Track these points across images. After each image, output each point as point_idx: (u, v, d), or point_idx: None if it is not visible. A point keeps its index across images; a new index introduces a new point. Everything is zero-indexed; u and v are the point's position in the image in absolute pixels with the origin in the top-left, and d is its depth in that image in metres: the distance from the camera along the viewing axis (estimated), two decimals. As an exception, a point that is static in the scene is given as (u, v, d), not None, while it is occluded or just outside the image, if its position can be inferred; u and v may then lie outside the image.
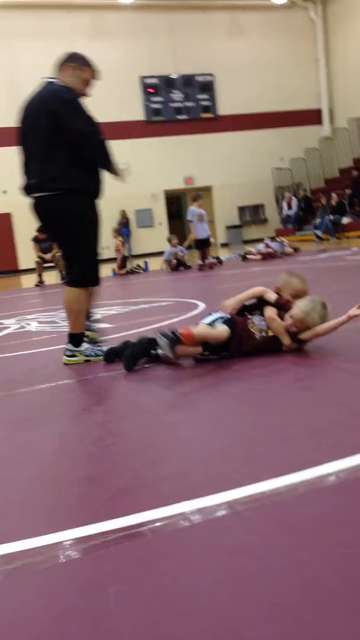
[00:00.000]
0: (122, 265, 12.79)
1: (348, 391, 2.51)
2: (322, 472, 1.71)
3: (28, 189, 3.63)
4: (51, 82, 3.78)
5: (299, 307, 3.21)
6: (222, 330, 3.21)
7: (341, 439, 1.96)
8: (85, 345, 3.73)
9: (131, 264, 13.44)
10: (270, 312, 3.32)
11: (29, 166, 3.62)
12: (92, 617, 1.18)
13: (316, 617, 1.09)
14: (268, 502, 1.57)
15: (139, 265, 13.16)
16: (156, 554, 1.39)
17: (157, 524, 1.53)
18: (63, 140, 3.50)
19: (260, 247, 12.38)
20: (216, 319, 3.31)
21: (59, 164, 3.49)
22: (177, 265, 11.96)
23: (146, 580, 1.29)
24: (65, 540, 1.50)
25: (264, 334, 3.28)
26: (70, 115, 3.53)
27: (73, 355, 3.71)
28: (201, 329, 3.22)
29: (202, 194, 12.49)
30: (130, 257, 15.66)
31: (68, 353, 3.72)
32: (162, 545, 1.43)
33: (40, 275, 12.54)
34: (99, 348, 3.74)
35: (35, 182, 3.54)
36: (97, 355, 3.69)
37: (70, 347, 3.72)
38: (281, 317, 3.28)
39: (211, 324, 3.28)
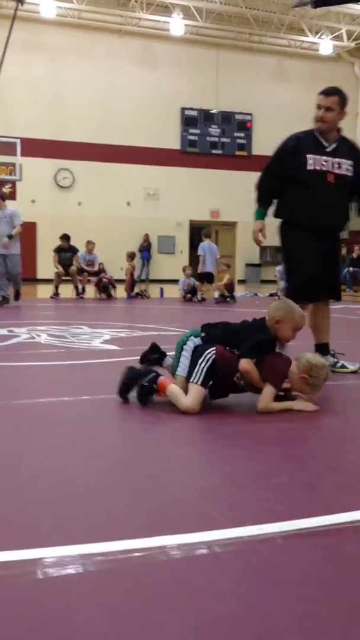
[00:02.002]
0: (131, 288, 12.95)
1: (341, 447, 2.54)
2: (302, 526, 1.74)
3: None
4: None
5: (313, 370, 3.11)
6: (192, 402, 2.99)
7: (325, 495, 1.99)
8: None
9: (138, 288, 13.61)
10: (244, 364, 3.06)
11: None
12: (55, 636, 1.22)
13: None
14: (246, 548, 1.61)
15: (142, 291, 13.32)
16: (131, 584, 1.43)
17: (136, 554, 1.56)
18: None
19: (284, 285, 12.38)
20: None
21: None
22: (192, 296, 12.05)
23: (116, 610, 1.32)
24: (43, 558, 1.54)
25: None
26: None
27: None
28: (174, 390, 3.05)
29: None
30: (138, 282, 15.79)
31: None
32: (137, 576, 1.47)
33: (56, 287, 12.68)
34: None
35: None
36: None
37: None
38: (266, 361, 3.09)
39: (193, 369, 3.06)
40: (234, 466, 2.30)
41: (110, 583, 1.43)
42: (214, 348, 3.06)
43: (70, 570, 1.48)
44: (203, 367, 3.01)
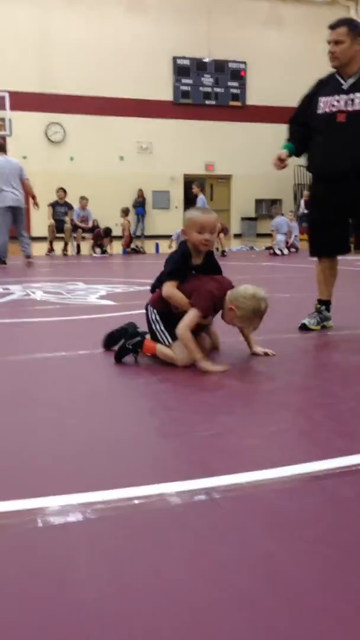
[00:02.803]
0: (128, 244, 12.84)
1: (338, 395, 2.55)
2: (301, 471, 1.75)
3: None
4: None
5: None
6: (183, 357, 2.92)
7: (323, 441, 2.00)
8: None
9: (134, 244, 13.52)
10: (164, 289, 2.97)
11: None
12: (57, 581, 1.23)
13: (273, 608, 1.14)
14: (244, 494, 1.62)
15: (137, 246, 13.24)
16: (130, 530, 1.44)
17: (135, 502, 1.57)
18: None
19: (280, 238, 12.22)
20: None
21: None
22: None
23: (117, 555, 1.34)
24: (43, 507, 1.55)
25: None
26: None
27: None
28: (163, 350, 3.00)
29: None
30: (134, 238, 15.65)
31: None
32: (137, 523, 1.48)
33: (51, 243, 12.53)
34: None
35: None
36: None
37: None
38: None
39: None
40: (232, 415, 2.31)
41: (111, 530, 1.44)
42: (148, 303, 3.05)
43: (71, 518, 1.49)
44: (159, 328, 2.99)
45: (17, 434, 2.12)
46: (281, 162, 3.98)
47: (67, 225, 12.49)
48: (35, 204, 9.72)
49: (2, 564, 1.31)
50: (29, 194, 9.53)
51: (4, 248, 9.22)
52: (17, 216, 9.31)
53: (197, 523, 1.47)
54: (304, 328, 3.95)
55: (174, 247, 12.22)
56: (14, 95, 15.04)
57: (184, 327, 2.83)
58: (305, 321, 3.99)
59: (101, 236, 12.35)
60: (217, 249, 11.87)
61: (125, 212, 13.46)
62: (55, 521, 1.48)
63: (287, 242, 12.34)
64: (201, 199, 12.03)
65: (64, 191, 12.89)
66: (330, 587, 1.20)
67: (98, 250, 12.26)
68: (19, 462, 1.87)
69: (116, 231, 13.65)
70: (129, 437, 2.09)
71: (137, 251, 12.92)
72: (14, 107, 14.64)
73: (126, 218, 13.32)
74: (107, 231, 12.38)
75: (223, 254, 11.96)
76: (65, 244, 12.62)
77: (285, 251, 12.09)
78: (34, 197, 9.65)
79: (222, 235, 12.11)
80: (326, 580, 1.23)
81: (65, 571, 1.27)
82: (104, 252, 12.34)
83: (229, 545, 1.37)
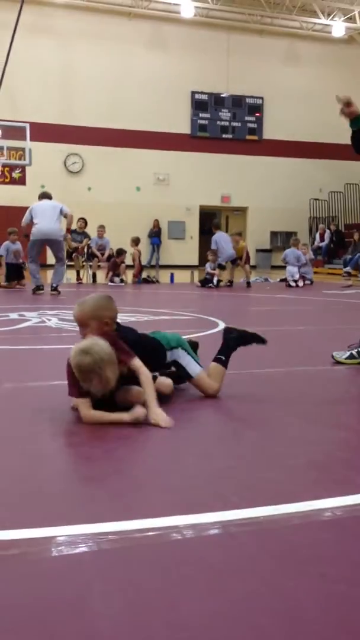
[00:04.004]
0: (138, 273, 12.90)
1: (355, 429, 2.52)
2: (319, 507, 1.73)
3: None
4: None
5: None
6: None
7: (342, 476, 1.97)
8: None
9: (147, 273, 13.59)
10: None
11: None
12: (73, 612, 1.22)
13: (293, 646, 1.12)
14: (261, 528, 1.60)
15: (149, 276, 13.30)
16: (147, 562, 1.42)
17: (150, 533, 1.56)
18: None
19: (292, 270, 12.22)
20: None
21: None
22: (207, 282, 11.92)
23: (133, 585, 1.32)
24: (59, 536, 1.54)
25: None
26: None
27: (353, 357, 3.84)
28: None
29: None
30: (150, 267, 15.69)
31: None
32: (153, 554, 1.46)
33: (78, 272, 12.64)
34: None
35: None
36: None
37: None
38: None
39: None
40: (248, 447, 2.29)
41: (125, 561, 1.43)
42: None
43: (84, 548, 1.48)
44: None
45: (33, 461, 2.11)
46: (348, 106, 3.55)
47: (76, 254, 12.63)
48: (67, 232, 10.09)
49: (18, 593, 1.30)
50: (68, 225, 9.88)
51: (37, 275, 9.43)
52: (52, 246, 9.59)
53: (213, 557, 1.45)
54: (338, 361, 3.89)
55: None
56: (34, 126, 15.37)
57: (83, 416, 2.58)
58: (336, 354, 3.94)
59: (118, 265, 12.44)
60: (228, 281, 11.92)
61: (135, 242, 13.57)
62: (69, 551, 1.47)
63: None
64: (215, 238, 12.13)
65: (85, 222, 13.08)
66: (352, 628, 1.18)
67: (117, 279, 12.34)
68: (34, 489, 1.87)
69: (129, 260, 13.74)
70: (144, 468, 2.08)
71: (150, 281, 12.97)
72: (34, 138, 14.96)
73: (136, 247, 13.42)
74: (120, 251, 12.47)
75: (248, 284, 12.01)
76: (78, 272, 12.72)
77: (300, 283, 12.11)
78: (68, 230, 10.00)
79: (247, 266, 12.21)
80: (347, 620, 1.20)
81: (80, 602, 1.26)
82: (122, 281, 12.42)
83: (246, 580, 1.35)
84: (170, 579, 1.35)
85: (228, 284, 11.97)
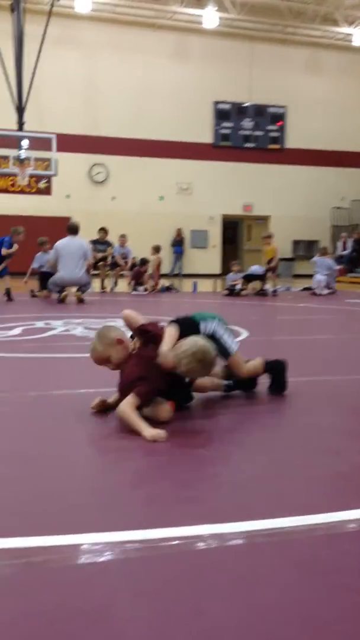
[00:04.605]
0: (157, 282, 12.92)
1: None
2: (343, 518, 1.73)
3: None
4: None
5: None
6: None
7: (366, 488, 1.97)
8: None
9: (167, 282, 13.64)
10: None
11: None
12: (99, 619, 1.24)
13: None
14: (286, 539, 1.61)
15: (171, 285, 13.33)
16: (171, 570, 1.44)
17: (175, 542, 1.58)
18: None
19: (321, 279, 12.20)
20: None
21: None
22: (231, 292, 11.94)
23: (158, 594, 1.34)
24: (84, 544, 1.56)
25: None
26: None
27: None
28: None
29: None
30: (172, 276, 15.69)
31: None
32: (178, 562, 1.48)
33: (102, 281, 12.71)
34: None
35: None
36: None
37: None
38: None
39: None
40: (272, 457, 2.29)
41: (151, 570, 1.45)
42: None
43: (110, 556, 1.50)
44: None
45: (58, 469, 2.14)
46: None
47: (102, 263, 12.72)
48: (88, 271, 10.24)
49: (43, 600, 1.32)
50: (87, 268, 10.13)
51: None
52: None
53: (238, 567, 1.47)
54: None
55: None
56: (60, 137, 15.56)
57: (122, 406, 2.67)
58: None
59: (141, 274, 12.50)
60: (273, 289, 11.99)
61: (156, 250, 13.64)
62: (95, 559, 1.49)
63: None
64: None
65: (105, 232, 13.15)
66: (375, 638, 1.18)
67: (140, 288, 12.41)
68: (59, 497, 1.90)
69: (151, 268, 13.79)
70: (168, 477, 2.09)
71: (170, 289, 13.01)
72: (60, 149, 15.15)
73: (157, 255, 13.48)
74: (144, 260, 12.56)
75: (274, 293, 12.03)
76: (102, 281, 12.81)
77: (325, 291, 12.05)
78: (88, 267, 10.18)
79: (274, 275, 12.23)
80: (370, 631, 1.21)
81: (106, 610, 1.28)
82: (145, 290, 12.48)
83: (270, 591, 1.36)
84: (196, 588, 1.37)
85: (261, 292, 12.02)
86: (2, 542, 1.56)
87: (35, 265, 11.04)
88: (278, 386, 3.27)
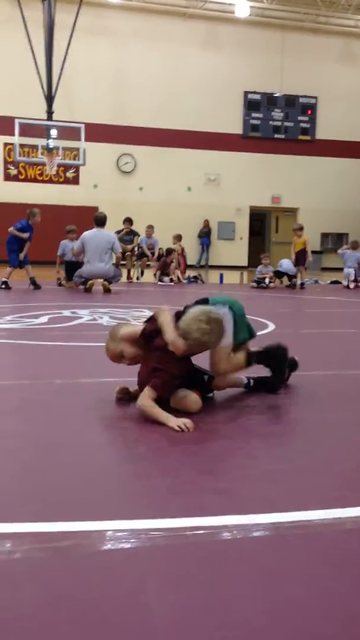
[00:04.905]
0: (184, 271, 12.90)
1: None
2: (371, 512, 1.71)
3: None
4: None
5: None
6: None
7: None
8: None
9: (191, 273, 13.63)
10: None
11: None
12: (128, 605, 1.24)
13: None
14: (312, 532, 1.59)
15: (198, 275, 13.28)
16: (199, 561, 1.44)
17: (201, 532, 1.57)
18: None
19: (350, 272, 12.12)
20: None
21: None
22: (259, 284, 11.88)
23: (186, 584, 1.33)
24: (112, 530, 1.57)
25: None
26: None
27: None
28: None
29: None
30: (199, 267, 15.63)
31: None
32: (206, 553, 1.48)
33: (129, 271, 12.74)
34: None
35: None
36: None
37: None
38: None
39: None
40: (297, 450, 2.27)
41: (178, 558, 1.45)
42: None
43: (138, 543, 1.50)
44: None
45: (83, 457, 2.15)
46: None
47: (129, 254, 12.74)
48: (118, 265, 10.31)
49: (72, 584, 1.33)
50: (116, 262, 10.21)
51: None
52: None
53: (264, 558, 1.46)
54: None
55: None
56: (89, 126, 15.58)
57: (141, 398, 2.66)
58: None
59: (167, 264, 12.51)
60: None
61: (178, 238, 13.60)
62: (123, 545, 1.50)
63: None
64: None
65: (130, 222, 13.15)
66: None
67: (166, 279, 12.41)
68: (87, 484, 1.90)
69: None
70: (194, 467, 2.09)
71: (197, 279, 12.98)
72: (88, 138, 15.16)
73: (179, 243, 13.46)
74: (170, 250, 12.57)
75: (302, 286, 11.95)
76: (129, 271, 12.84)
77: (352, 285, 11.94)
78: (117, 261, 10.21)
79: (302, 267, 12.16)
80: None
81: (135, 596, 1.28)
82: (171, 280, 12.48)
83: (297, 582, 1.35)
84: (223, 578, 1.36)
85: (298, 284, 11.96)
86: (30, 527, 1.58)
87: (59, 252, 11.01)
88: (276, 380, 3.06)
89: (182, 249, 13.58)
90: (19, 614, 1.22)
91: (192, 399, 2.72)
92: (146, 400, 2.61)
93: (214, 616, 1.21)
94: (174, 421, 2.48)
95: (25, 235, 9.68)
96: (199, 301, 2.98)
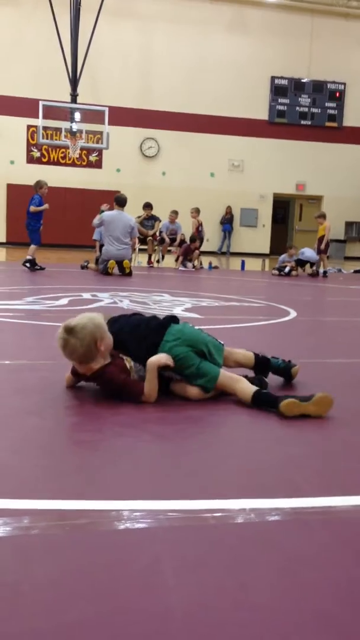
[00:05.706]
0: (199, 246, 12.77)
1: None
2: (395, 500, 1.67)
3: None
4: None
5: None
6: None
7: None
8: None
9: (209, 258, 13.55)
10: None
11: None
12: (144, 585, 1.22)
13: (368, 639, 1.08)
14: (335, 517, 1.56)
15: (210, 263, 13.19)
16: (216, 542, 1.41)
17: (219, 514, 1.55)
18: None
19: None
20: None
21: None
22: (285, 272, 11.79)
23: (203, 565, 1.31)
24: (130, 509, 1.55)
25: None
26: None
27: None
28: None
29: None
30: (220, 254, 15.55)
31: None
32: (224, 535, 1.45)
33: (150, 256, 12.72)
34: None
35: None
36: None
37: None
38: None
39: None
40: (323, 436, 2.24)
41: (195, 539, 1.42)
42: None
43: (155, 523, 1.49)
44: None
45: (105, 435, 2.14)
46: None
47: (150, 239, 12.69)
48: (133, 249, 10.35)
49: (88, 562, 1.31)
50: (132, 246, 10.26)
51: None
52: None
53: (284, 542, 1.43)
54: None
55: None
56: (113, 110, 15.50)
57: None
58: None
59: (191, 250, 12.45)
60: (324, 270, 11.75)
61: (196, 211, 13.52)
62: (139, 525, 1.48)
63: None
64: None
65: (151, 207, 13.07)
66: None
67: (189, 264, 12.37)
68: (105, 463, 1.89)
69: (203, 246, 13.71)
70: (216, 449, 2.06)
71: (216, 267, 12.92)
72: (112, 122, 15.09)
73: (197, 217, 13.39)
74: (194, 237, 12.53)
75: (325, 274, 11.83)
76: (150, 256, 12.81)
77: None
78: (133, 245, 10.26)
79: (324, 255, 12.03)
80: None
81: (151, 576, 1.26)
82: (193, 266, 12.44)
83: (317, 567, 1.32)
84: (240, 560, 1.34)
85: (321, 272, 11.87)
86: (48, 504, 1.56)
87: (96, 237, 11.15)
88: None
89: (200, 223, 13.47)
90: (34, 588, 1.20)
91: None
92: (152, 364, 2.55)
93: (230, 597, 1.19)
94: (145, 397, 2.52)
95: (46, 205, 9.73)
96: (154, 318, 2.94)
